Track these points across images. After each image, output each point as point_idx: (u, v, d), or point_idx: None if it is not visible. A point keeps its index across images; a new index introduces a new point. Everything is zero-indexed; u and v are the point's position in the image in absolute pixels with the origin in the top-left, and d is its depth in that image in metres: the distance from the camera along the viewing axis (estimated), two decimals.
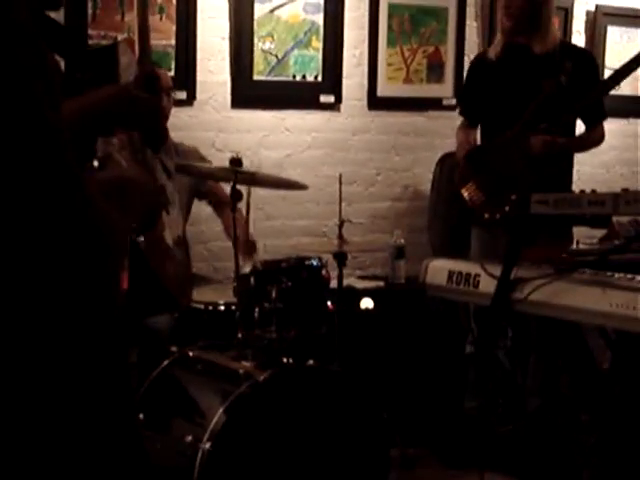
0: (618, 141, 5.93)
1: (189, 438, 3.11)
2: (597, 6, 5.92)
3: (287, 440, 3.21)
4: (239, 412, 3.12)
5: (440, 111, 5.51)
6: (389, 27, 5.33)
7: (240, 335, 3.46)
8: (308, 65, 5.12)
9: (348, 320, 4.11)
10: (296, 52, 5.07)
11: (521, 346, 4.24)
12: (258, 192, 4.69)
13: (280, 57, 5.03)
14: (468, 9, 5.54)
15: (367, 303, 4.71)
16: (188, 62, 4.78)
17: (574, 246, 3.97)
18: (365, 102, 5.33)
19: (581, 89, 3.95)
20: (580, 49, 4.91)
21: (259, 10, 4.93)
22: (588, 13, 5.94)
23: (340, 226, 4.02)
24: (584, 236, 4.16)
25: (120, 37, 4.56)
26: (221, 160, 4.45)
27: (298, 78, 5.10)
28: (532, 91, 4.05)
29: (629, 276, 2.89)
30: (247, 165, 3.76)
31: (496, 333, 3.83)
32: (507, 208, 3.06)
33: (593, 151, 4.64)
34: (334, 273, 3.90)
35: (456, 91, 5.48)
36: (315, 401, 3.28)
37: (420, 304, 4.49)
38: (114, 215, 1.30)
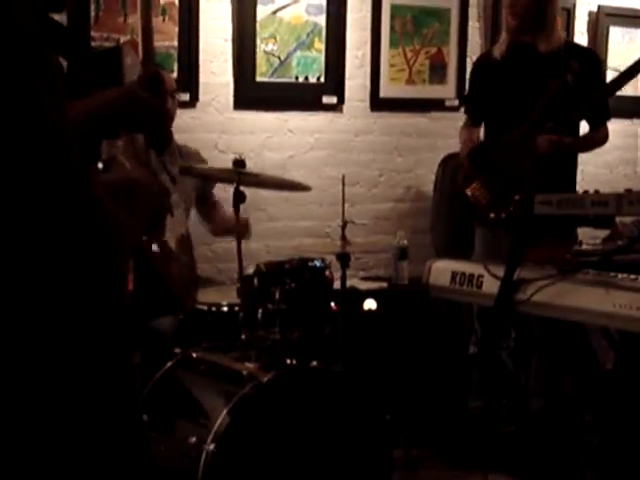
0: (621, 141, 5.93)
1: (193, 439, 3.11)
2: (599, 7, 5.92)
3: (291, 441, 3.21)
4: (243, 413, 3.12)
5: (443, 112, 5.51)
6: (391, 28, 5.34)
7: (244, 336, 3.46)
8: (311, 66, 5.12)
9: (351, 321, 4.12)
10: (299, 53, 5.08)
11: (524, 347, 4.24)
12: (261, 193, 4.70)
13: (283, 58, 5.03)
14: (470, 10, 5.55)
15: (370, 304, 4.71)
16: (191, 64, 4.79)
17: (577, 247, 3.97)
18: (368, 103, 5.34)
19: (587, 88, 3.95)
20: (585, 48, 4.92)
21: (261, 12, 4.93)
22: (590, 14, 5.94)
23: (343, 227, 4.02)
24: (587, 237, 4.16)
25: (123, 39, 4.56)
26: (224, 161, 4.46)
27: (301, 79, 5.11)
28: (537, 90, 4.05)
29: (632, 276, 2.89)
30: (250, 166, 3.76)
31: (499, 334, 3.83)
32: (512, 208, 3.07)
33: (596, 151, 4.64)
34: (337, 274, 3.90)
35: (459, 92, 5.48)
36: (319, 402, 3.28)
37: (423, 305, 4.49)
38: (121, 216, 1.30)
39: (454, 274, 3.27)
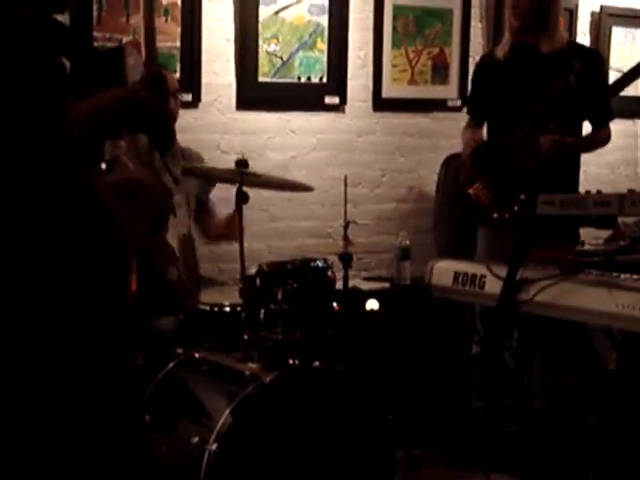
0: (623, 142, 5.93)
1: (195, 439, 3.11)
2: (602, 7, 5.92)
3: (293, 441, 3.21)
4: (245, 413, 3.12)
5: (445, 112, 5.51)
6: (394, 29, 5.34)
7: (246, 336, 3.47)
8: (313, 67, 5.12)
9: (354, 321, 4.12)
10: (301, 54, 5.08)
11: (527, 347, 4.24)
12: (263, 194, 4.70)
13: (285, 59, 5.03)
14: (473, 10, 5.55)
15: (372, 304, 4.71)
16: (193, 64, 4.79)
17: (580, 247, 3.97)
18: (370, 103, 5.34)
19: (589, 89, 3.95)
20: (588, 49, 4.92)
21: (264, 12, 4.93)
22: (593, 14, 5.94)
23: (345, 227, 4.02)
24: (590, 237, 4.16)
25: (125, 39, 4.57)
26: (226, 162, 4.46)
27: (303, 80, 5.11)
28: (540, 90, 4.05)
29: (635, 277, 2.89)
30: (252, 167, 3.76)
31: (502, 334, 3.83)
32: (516, 208, 3.06)
33: (598, 151, 4.65)
34: (339, 274, 3.90)
35: (461, 92, 5.48)
36: (321, 402, 3.29)
37: (426, 305, 4.49)
38: (124, 217, 1.30)
39: (456, 274, 3.27)
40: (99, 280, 1.25)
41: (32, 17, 1.23)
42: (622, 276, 2.90)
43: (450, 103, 5.51)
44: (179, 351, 3.60)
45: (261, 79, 4.98)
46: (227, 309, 3.76)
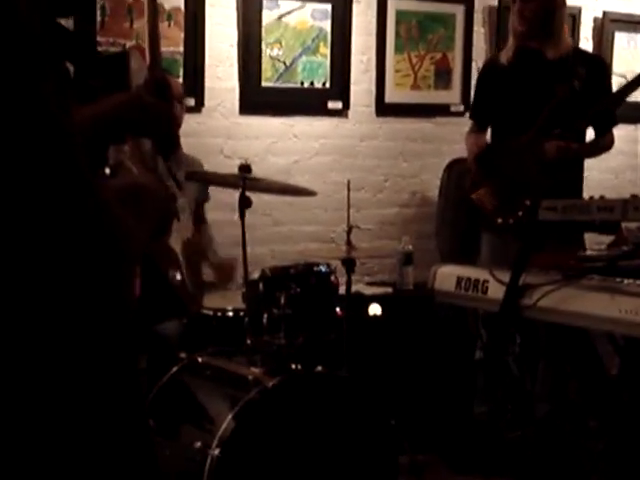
0: (626, 147, 5.93)
1: (198, 444, 3.11)
2: (604, 13, 5.92)
3: (296, 446, 3.21)
4: (248, 418, 3.12)
5: (448, 117, 5.52)
6: (397, 33, 5.34)
7: (249, 341, 3.47)
8: (316, 71, 5.13)
9: (356, 326, 4.11)
10: (304, 58, 5.08)
11: (530, 352, 4.23)
12: (266, 198, 4.70)
13: (288, 64, 5.04)
14: (475, 15, 5.55)
15: (375, 309, 4.71)
16: (196, 69, 4.80)
17: (582, 252, 3.97)
18: (373, 108, 5.34)
19: (594, 94, 3.96)
20: (593, 55, 4.92)
21: (267, 17, 4.94)
22: (595, 20, 5.94)
23: (348, 232, 4.02)
24: (592, 242, 4.15)
25: (129, 44, 4.58)
26: (229, 166, 4.46)
27: (306, 84, 5.11)
28: (544, 96, 4.05)
29: (638, 282, 2.89)
30: (255, 171, 3.76)
31: (505, 339, 3.83)
32: (520, 213, 3.07)
33: (601, 157, 4.65)
34: (342, 279, 3.90)
35: (464, 97, 5.48)
36: (324, 407, 3.28)
37: (428, 310, 4.49)
38: (128, 221, 1.30)
39: (459, 279, 3.27)
40: (103, 284, 1.25)
41: (32, 17, 1.23)
42: (625, 281, 2.91)
43: (453, 108, 5.51)
44: (182, 355, 3.60)
45: (264, 84, 4.99)
46: (230, 314, 3.77)
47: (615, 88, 4.51)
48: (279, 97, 5.04)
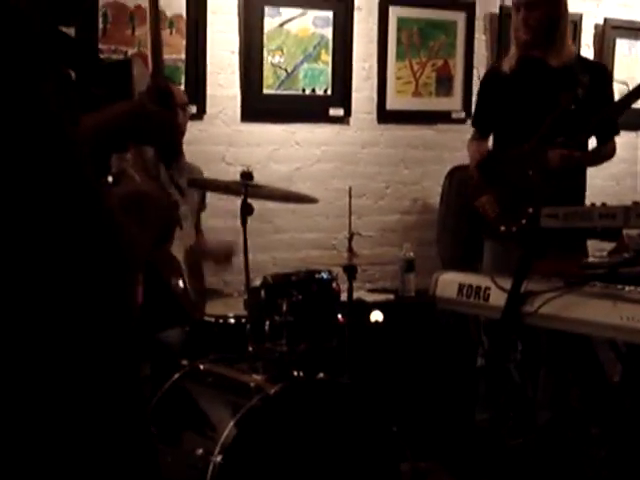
0: (627, 154, 5.93)
1: (200, 451, 3.10)
2: (605, 19, 5.93)
3: (298, 453, 3.21)
4: (250, 425, 3.12)
5: (449, 124, 5.52)
6: (398, 41, 5.35)
7: (251, 348, 3.46)
8: (317, 79, 5.13)
9: (358, 333, 4.11)
10: (305, 66, 5.09)
11: (531, 359, 4.23)
12: (267, 205, 4.70)
13: (290, 71, 5.05)
14: (477, 22, 5.56)
15: (377, 316, 4.71)
16: (198, 76, 4.80)
17: (584, 259, 3.97)
18: (374, 115, 5.35)
19: (597, 103, 3.96)
20: (595, 63, 4.93)
21: (269, 24, 4.95)
22: (597, 26, 5.95)
23: (350, 239, 4.02)
24: (593, 249, 4.16)
25: (131, 51, 4.58)
26: (231, 174, 4.47)
27: (308, 92, 5.12)
28: (548, 104, 4.05)
29: (639, 289, 2.89)
30: (257, 178, 3.77)
31: (507, 346, 3.83)
32: (524, 221, 3.07)
33: (603, 164, 4.64)
34: (344, 286, 3.90)
35: (465, 104, 5.49)
36: (326, 414, 3.28)
37: (430, 317, 4.49)
38: (132, 229, 1.30)
39: (461, 286, 3.28)
40: (106, 291, 1.25)
41: (32, 16, 1.23)
42: (627, 288, 2.91)
43: (454, 115, 5.52)
44: (184, 363, 3.60)
45: (266, 91, 4.99)
46: (232, 321, 3.76)
47: (616, 95, 4.51)
48: (281, 104, 5.05)
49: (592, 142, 4.36)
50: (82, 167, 1.21)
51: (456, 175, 5.19)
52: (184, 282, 3.55)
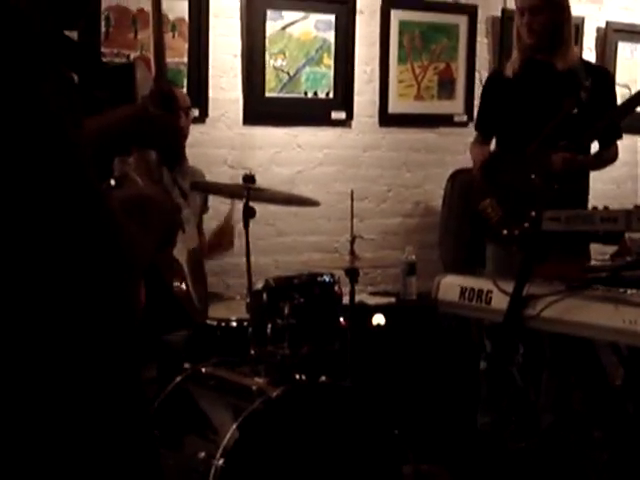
0: (629, 157, 5.93)
1: (202, 454, 3.10)
2: (607, 23, 5.93)
3: (300, 456, 3.21)
4: (252, 428, 3.12)
5: (451, 127, 5.52)
6: (400, 44, 5.35)
7: (253, 351, 3.46)
8: (319, 82, 5.14)
9: (360, 336, 4.11)
10: (308, 69, 5.09)
11: (534, 363, 4.23)
12: (270, 208, 4.71)
13: (292, 74, 5.05)
14: (479, 26, 5.56)
15: (379, 319, 4.71)
16: (200, 79, 4.81)
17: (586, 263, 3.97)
18: (376, 119, 5.35)
19: (600, 106, 3.97)
20: (598, 66, 4.93)
21: (271, 27, 4.95)
22: (599, 30, 5.95)
23: (352, 242, 4.02)
24: (596, 252, 4.16)
25: (133, 55, 4.59)
26: (233, 177, 4.47)
27: (310, 95, 5.12)
28: (552, 108, 4.05)
29: None
30: (259, 182, 3.77)
31: (509, 350, 3.83)
32: (526, 225, 3.07)
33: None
34: (346, 289, 3.90)
35: (467, 107, 5.49)
36: (328, 417, 3.28)
37: (432, 320, 4.49)
38: (134, 232, 1.30)
39: (463, 289, 3.27)
40: (108, 293, 1.26)
41: (32, 16, 1.24)
42: (629, 292, 2.91)
43: (456, 118, 5.52)
44: (186, 366, 3.60)
45: (268, 94, 5.00)
46: (234, 324, 3.77)
47: (619, 98, 4.52)
48: (283, 107, 5.05)
49: (594, 146, 4.36)
50: (83, 168, 1.21)
51: (458, 178, 5.19)
52: (186, 285, 3.55)
